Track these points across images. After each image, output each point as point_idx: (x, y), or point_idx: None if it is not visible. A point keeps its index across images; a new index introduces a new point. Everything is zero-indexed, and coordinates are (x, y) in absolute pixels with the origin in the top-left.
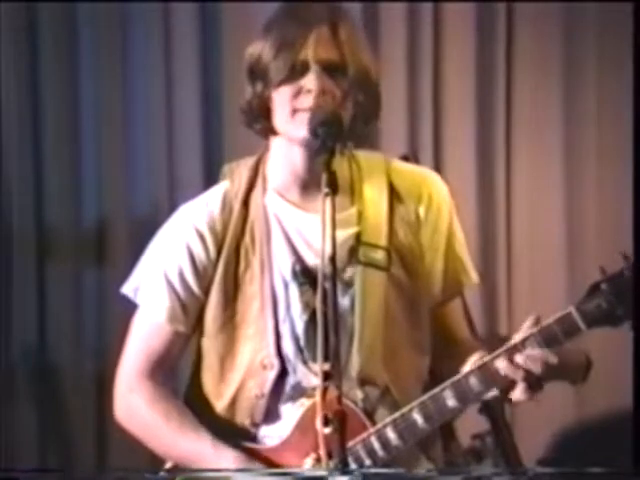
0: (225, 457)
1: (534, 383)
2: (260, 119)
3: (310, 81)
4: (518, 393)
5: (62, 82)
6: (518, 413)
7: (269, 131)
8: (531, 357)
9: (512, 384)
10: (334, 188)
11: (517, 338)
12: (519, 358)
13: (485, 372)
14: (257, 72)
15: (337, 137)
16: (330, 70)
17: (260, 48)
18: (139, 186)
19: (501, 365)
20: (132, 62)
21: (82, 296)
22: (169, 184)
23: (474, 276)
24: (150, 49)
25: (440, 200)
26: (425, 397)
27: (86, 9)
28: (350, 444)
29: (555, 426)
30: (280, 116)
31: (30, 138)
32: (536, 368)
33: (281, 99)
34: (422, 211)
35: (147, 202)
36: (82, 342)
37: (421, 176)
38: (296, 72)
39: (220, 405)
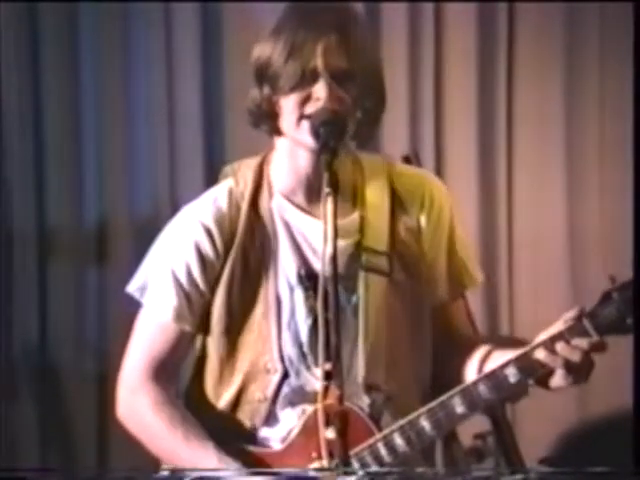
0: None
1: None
2: (267, 120)
3: (320, 89)
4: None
5: (63, 82)
6: (519, 413)
7: (275, 131)
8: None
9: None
10: (336, 188)
11: (528, 347)
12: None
13: (493, 379)
14: (266, 76)
15: (339, 137)
16: (340, 78)
17: (269, 51)
18: (140, 185)
19: (510, 372)
20: (133, 62)
21: (83, 295)
22: (170, 183)
23: (477, 276)
24: (151, 48)
25: (441, 202)
26: (434, 404)
27: (87, 6)
28: (357, 449)
29: (556, 426)
30: (287, 121)
31: (31, 137)
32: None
33: (289, 105)
34: (423, 214)
35: (148, 201)
36: (83, 341)
37: (421, 179)
38: (306, 80)
39: (219, 407)
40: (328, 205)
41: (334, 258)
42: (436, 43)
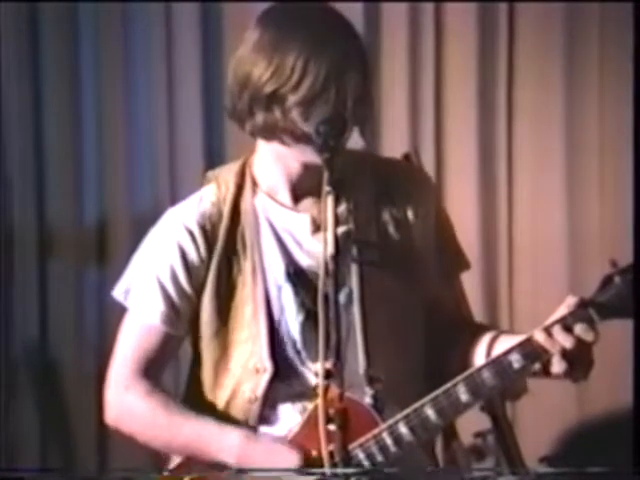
0: (232, 436)
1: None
2: (269, 136)
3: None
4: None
5: (63, 82)
6: (520, 412)
7: (274, 140)
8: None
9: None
10: (336, 187)
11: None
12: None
13: (497, 365)
14: (277, 100)
15: (339, 136)
16: (356, 104)
17: (284, 80)
18: (140, 184)
19: (514, 358)
20: (133, 61)
21: (83, 294)
22: (171, 182)
23: (468, 260)
24: (151, 48)
25: (426, 191)
26: (438, 392)
27: (87, 6)
28: (362, 440)
29: (556, 424)
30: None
31: (31, 136)
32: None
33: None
34: (410, 204)
35: (148, 200)
36: (83, 340)
37: (406, 169)
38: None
39: (217, 409)
40: (329, 203)
41: (335, 257)
42: (436, 43)
